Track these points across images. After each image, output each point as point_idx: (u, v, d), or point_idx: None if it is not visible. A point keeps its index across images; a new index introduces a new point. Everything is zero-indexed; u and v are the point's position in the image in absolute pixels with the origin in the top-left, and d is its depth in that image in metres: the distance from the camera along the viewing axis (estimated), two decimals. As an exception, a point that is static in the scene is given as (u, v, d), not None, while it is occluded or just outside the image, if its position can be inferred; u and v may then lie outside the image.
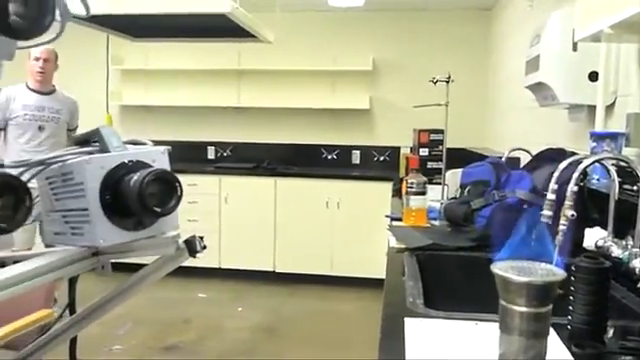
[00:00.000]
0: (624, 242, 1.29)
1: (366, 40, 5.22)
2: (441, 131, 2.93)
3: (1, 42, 0.77)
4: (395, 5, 5.03)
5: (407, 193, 2.28)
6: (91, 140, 1.04)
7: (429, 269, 1.62)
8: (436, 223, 2.23)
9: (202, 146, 5.56)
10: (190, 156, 5.31)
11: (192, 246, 1.07)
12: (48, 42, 0.81)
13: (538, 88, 2.29)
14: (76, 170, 0.98)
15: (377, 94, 5.27)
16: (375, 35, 5.22)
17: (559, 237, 1.26)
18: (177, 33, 3.23)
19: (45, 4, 0.75)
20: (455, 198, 2.21)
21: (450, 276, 1.70)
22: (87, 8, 0.88)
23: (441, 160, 2.81)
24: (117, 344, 3.51)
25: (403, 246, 1.79)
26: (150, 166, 1.02)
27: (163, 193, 0.98)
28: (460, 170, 2.34)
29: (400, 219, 2.31)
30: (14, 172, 0.94)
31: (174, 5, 2.49)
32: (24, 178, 0.91)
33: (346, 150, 5.39)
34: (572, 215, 1.28)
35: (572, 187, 1.30)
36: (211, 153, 5.59)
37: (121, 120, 5.56)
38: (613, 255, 1.27)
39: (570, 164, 1.36)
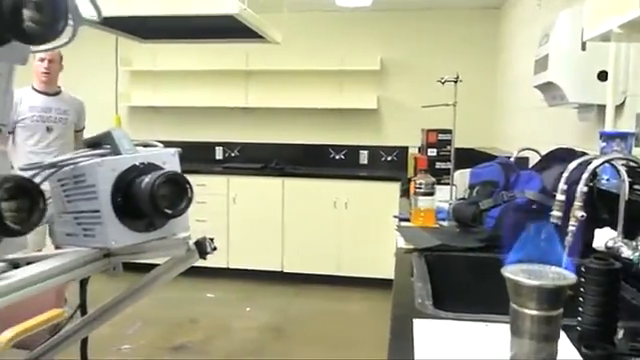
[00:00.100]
0: (634, 243, 1.28)
1: (374, 40, 5.22)
2: (449, 131, 2.92)
3: (15, 47, 0.78)
4: (403, 5, 5.03)
5: (415, 193, 2.28)
6: (102, 143, 1.05)
7: (438, 270, 1.62)
8: (445, 224, 2.23)
9: (210, 146, 5.58)
10: (198, 156, 5.33)
11: (202, 247, 1.08)
12: (61, 46, 0.82)
13: (547, 88, 2.28)
14: (88, 172, 0.99)
15: (385, 94, 5.27)
16: (383, 35, 5.22)
17: (569, 238, 1.26)
18: (185, 34, 3.24)
19: (59, 9, 0.76)
20: (464, 199, 2.20)
21: (459, 277, 1.70)
22: (99, 12, 0.89)
23: (449, 160, 2.81)
24: (126, 344, 3.53)
25: (412, 247, 1.79)
26: (161, 168, 1.03)
27: (174, 195, 0.99)
28: (468, 170, 2.34)
29: (408, 219, 2.31)
30: (27, 175, 0.96)
31: (182, 7, 2.50)
32: (36, 180, 0.92)
33: (354, 150, 5.39)
34: (582, 216, 1.28)
35: (582, 188, 1.30)
36: (219, 153, 5.61)
37: (130, 121, 5.59)
38: (623, 256, 1.27)
39: (580, 164, 1.36)
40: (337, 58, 5.16)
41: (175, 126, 5.59)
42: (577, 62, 2.08)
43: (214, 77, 5.40)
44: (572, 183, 1.33)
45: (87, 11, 0.87)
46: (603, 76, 2.02)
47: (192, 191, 1.01)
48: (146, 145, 1.13)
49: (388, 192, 4.41)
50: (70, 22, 0.80)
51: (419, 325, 1.10)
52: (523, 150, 2.50)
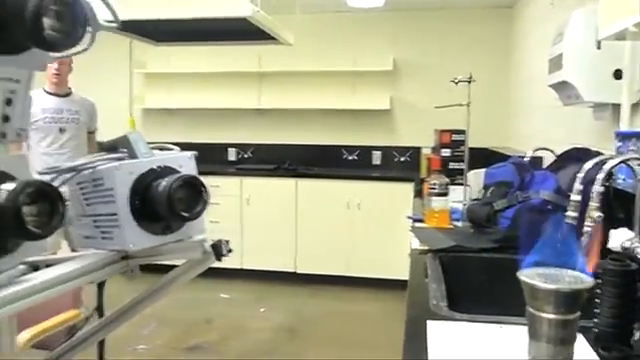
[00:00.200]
0: (651, 244, 1.27)
1: (386, 40, 5.21)
2: (463, 131, 2.91)
3: (35, 54, 0.80)
4: (415, 5, 5.02)
5: (429, 194, 2.27)
6: (119, 146, 1.07)
7: (452, 271, 1.62)
8: (459, 224, 2.22)
9: (223, 148, 5.61)
10: (212, 158, 5.36)
11: (218, 250, 1.09)
12: (79, 52, 0.83)
13: (561, 87, 2.27)
14: (106, 176, 1.00)
15: (398, 94, 5.26)
16: (395, 35, 5.21)
17: (584, 239, 1.25)
18: (199, 37, 3.26)
19: (78, 18, 0.77)
20: (478, 199, 2.19)
21: (473, 278, 1.69)
22: (116, 18, 0.90)
23: (463, 161, 2.80)
24: (142, 344, 3.57)
25: (426, 248, 1.79)
26: (177, 171, 1.04)
27: (190, 198, 1.00)
28: (482, 170, 2.33)
29: (422, 220, 2.31)
30: (46, 179, 0.97)
31: (196, 10, 2.51)
32: (55, 184, 0.94)
33: (367, 151, 5.39)
34: (599, 216, 1.27)
35: (597, 188, 1.29)
36: (232, 155, 5.63)
37: (144, 123, 5.64)
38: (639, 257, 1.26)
39: (595, 164, 1.35)
40: (349, 59, 5.16)
41: (189, 128, 5.62)
42: (592, 61, 2.06)
43: (227, 79, 5.42)
44: (587, 183, 1.32)
45: (104, 16, 0.89)
46: (618, 75, 2.00)
47: (208, 194, 1.02)
48: (162, 148, 1.14)
49: (401, 193, 4.41)
50: (88, 28, 0.82)
51: (433, 327, 1.10)
52: (537, 150, 2.48)
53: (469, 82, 2.63)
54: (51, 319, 2.01)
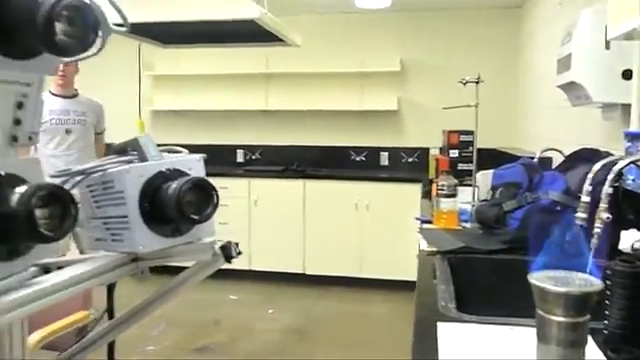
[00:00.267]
0: (661, 245, 1.26)
1: (393, 41, 5.21)
2: (471, 132, 2.90)
3: (46, 59, 0.80)
4: (422, 5, 5.01)
5: (437, 195, 2.27)
6: (129, 149, 1.08)
7: (461, 272, 1.61)
8: (467, 225, 2.22)
9: (231, 149, 5.63)
10: (220, 159, 5.38)
11: (228, 252, 1.09)
12: (90, 57, 0.84)
13: (570, 87, 2.26)
14: (116, 179, 1.01)
15: (405, 95, 5.25)
16: (403, 36, 5.21)
17: (594, 240, 1.25)
18: (206, 39, 3.27)
19: (90, 23, 0.78)
20: (486, 200, 2.19)
21: (482, 279, 1.69)
22: (126, 22, 0.91)
23: (471, 162, 2.80)
24: (150, 345, 3.58)
25: (434, 249, 1.79)
26: (187, 174, 1.04)
27: (200, 201, 1.01)
28: (491, 171, 2.32)
29: (430, 221, 2.30)
30: (57, 182, 0.98)
31: (204, 12, 2.52)
32: (66, 187, 0.95)
33: (374, 152, 5.39)
34: (607, 218, 1.26)
35: (607, 189, 1.28)
36: (240, 156, 5.65)
37: (152, 125, 5.66)
38: (650, 258, 1.25)
39: (605, 165, 1.34)
40: (357, 60, 5.16)
41: (197, 129, 5.65)
42: (601, 61, 2.05)
43: (235, 80, 5.44)
44: (597, 184, 1.32)
45: (114, 19, 0.89)
46: (628, 75, 1.99)
47: (218, 197, 1.03)
48: (171, 151, 1.15)
49: (409, 194, 4.41)
50: (99, 33, 0.82)
51: (442, 328, 1.10)
52: (546, 150, 2.47)
53: (477, 83, 2.63)
54: (61, 320, 2.03)
